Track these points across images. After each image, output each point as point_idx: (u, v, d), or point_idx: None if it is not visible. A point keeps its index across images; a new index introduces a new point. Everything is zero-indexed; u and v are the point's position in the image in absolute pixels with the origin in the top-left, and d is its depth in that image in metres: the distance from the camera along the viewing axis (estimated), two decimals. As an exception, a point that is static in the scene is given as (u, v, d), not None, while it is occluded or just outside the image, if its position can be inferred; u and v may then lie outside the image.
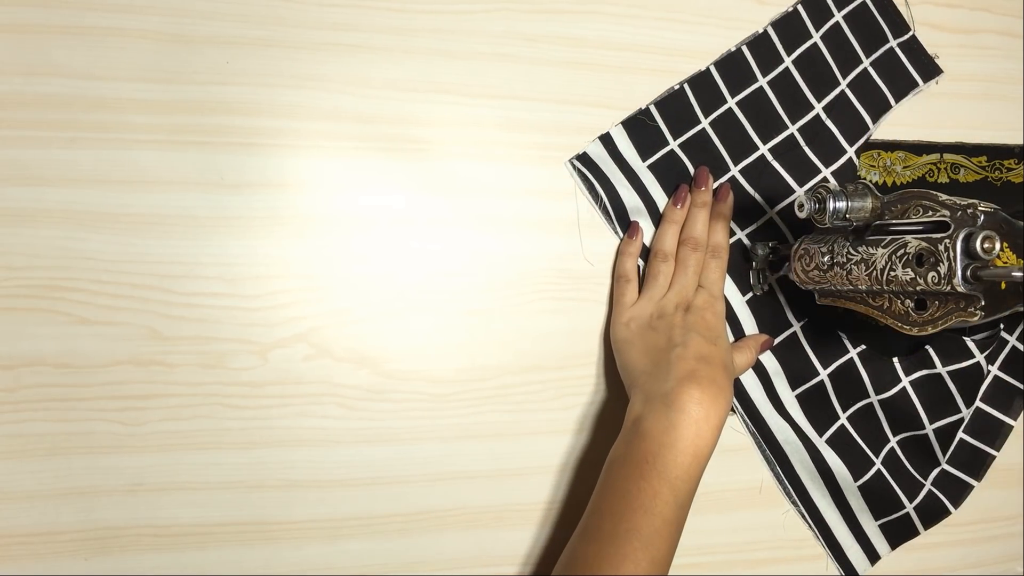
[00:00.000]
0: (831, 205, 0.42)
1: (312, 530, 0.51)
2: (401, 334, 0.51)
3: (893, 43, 0.58)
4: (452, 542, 0.52)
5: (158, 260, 0.48)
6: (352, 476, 0.51)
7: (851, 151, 0.56)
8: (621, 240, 0.54)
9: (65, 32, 0.47)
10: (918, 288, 0.40)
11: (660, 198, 0.54)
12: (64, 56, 0.47)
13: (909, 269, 0.40)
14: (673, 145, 0.54)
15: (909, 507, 0.56)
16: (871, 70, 0.57)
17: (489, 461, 0.53)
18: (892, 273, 0.41)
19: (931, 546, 0.59)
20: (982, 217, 0.38)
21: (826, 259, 0.45)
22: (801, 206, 0.43)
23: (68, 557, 0.48)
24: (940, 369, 0.55)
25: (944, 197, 0.40)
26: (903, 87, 0.58)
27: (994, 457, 0.57)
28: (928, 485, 0.56)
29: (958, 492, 0.57)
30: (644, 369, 0.48)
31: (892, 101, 0.57)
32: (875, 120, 0.57)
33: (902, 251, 0.41)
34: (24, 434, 0.47)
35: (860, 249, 0.43)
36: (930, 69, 0.58)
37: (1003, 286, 0.39)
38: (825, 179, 0.56)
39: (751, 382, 0.55)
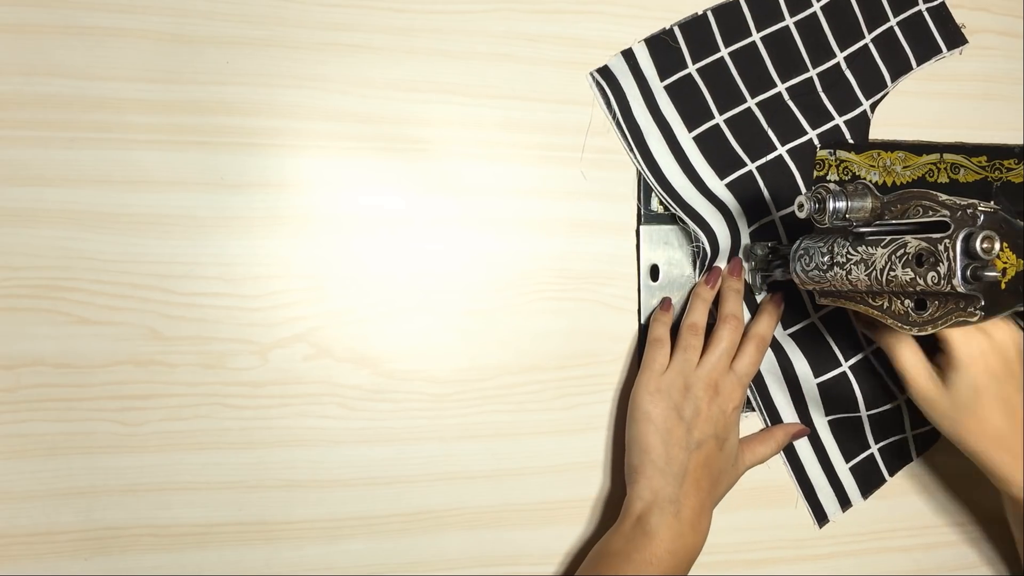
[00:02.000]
0: (831, 205, 0.42)
1: (312, 530, 0.51)
2: (401, 334, 0.51)
3: (922, 6, 0.58)
4: (452, 542, 0.52)
5: (158, 260, 0.48)
6: (352, 476, 0.51)
7: (866, 104, 0.57)
8: (653, 310, 0.54)
9: (65, 32, 0.47)
10: (918, 288, 0.40)
11: (674, 121, 0.54)
12: (64, 56, 0.47)
13: (909, 269, 0.40)
14: (691, 69, 0.54)
15: (874, 447, 0.57)
16: (897, 29, 0.58)
17: (489, 461, 0.53)
18: (892, 273, 0.41)
19: (931, 546, 0.59)
20: (982, 217, 0.38)
21: (826, 259, 0.45)
22: (801, 206, 0.43)
23: (68, 557, 0.48)
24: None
25: (944, 197, 0.40)
26: (926, 51, 0.58)
27: None
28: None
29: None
30: (655, 460, 0.48)
31: (914, 63, 0.58)
32: (894, 79, 0.58)
33: (902, 251, 0.41)
34: (24, 434, 0.47)
35: (860, 249, 0.43)
36: (956, 38, 0.59)
37: (1003, 286, 0.39)
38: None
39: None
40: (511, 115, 0.52)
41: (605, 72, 0.53)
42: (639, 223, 0.55)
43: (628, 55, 0.54)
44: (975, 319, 0.39)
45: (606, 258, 0.54)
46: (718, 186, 0.54)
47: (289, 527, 0.50)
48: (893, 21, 0.58)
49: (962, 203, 0.39)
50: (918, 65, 0.58)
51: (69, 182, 0.47)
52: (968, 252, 0.38)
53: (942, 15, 0.59)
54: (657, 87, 0.54)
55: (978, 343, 0.46)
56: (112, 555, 0.48)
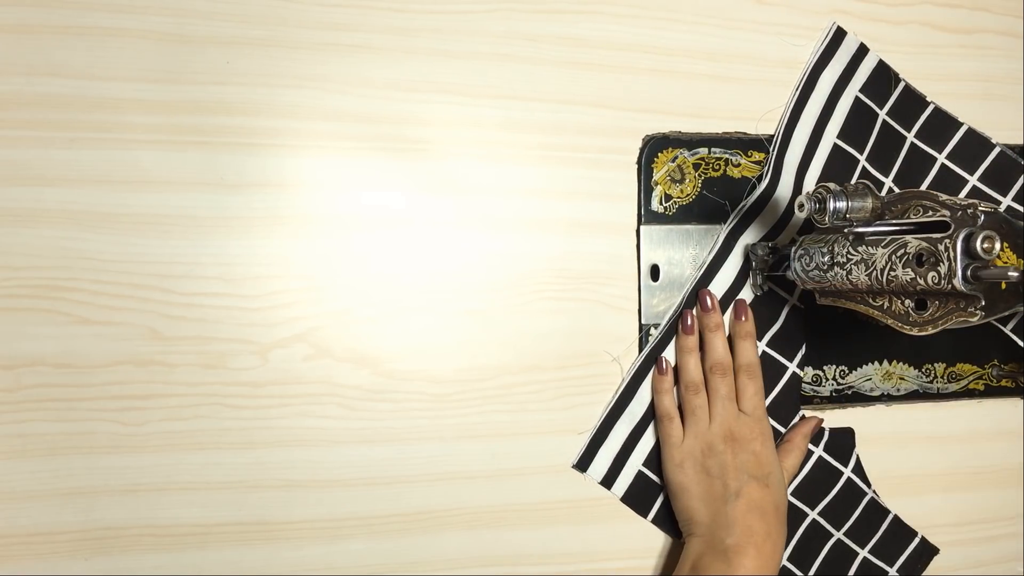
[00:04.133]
0: (831, 205, 0.42)
1: (312, 530, 0.51)
2: (401, 334, 0.51)
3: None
4: (452, 542, 0.52)
5: (158, 260, 0.48)
6: (352, 476, 0.51)
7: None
8: (653, 377, 0.54)
9: (65, 32, 0.47)
10: (918, 288, 0.40)
11: (835, 119, 0.55)
12: (64, 56, 0.47)
13: (909, 269, 0.40)
14: (881, 113, 0.57)
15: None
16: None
17: (489, 461, 0.53)
18: (892, 273, 0.41)
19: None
20: (982, 217, 0.38)
21: (826, 259, 0.45)
22: (801, 206, 0.43)
23: (68, 557, 0.48)
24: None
25: (944, 197, 0.40)
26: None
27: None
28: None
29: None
30: (702, 520, 0.50)
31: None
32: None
33: (902, 251, 0.41)
34: (24, 434, 0.47)
35: (860, 249, 0.43)
36: None
37: (1003, 286, 0.39)
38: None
39: None
40: (511, 115, 0.52)
41: (839, 33, 0.55)
42: (639, 223, 0.54)
43: (862, 51, 0.56)
44: (975, 319, 0.39)
45: (606, 258, 0.54)
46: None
47: (289, 527, 0.50)
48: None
49: (962, 203, 0.39)
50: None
51: (69, 182, 0.47)
52: (968, 252, 0.38)
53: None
54: (852, 88, 0.55)
55: None
56: (112, 555, 0.48)
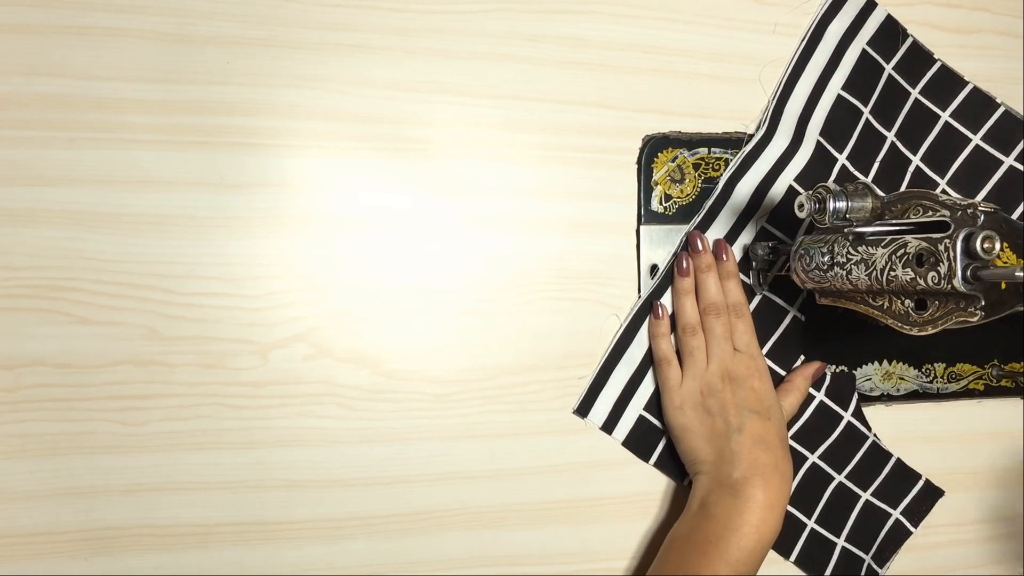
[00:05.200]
0: (831, 205, 0.42)
1: (312, 530, 0.51)
2: (401, 334, 0.51)
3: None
4: (452, 542, 0.52)
5: (158, 260, 0.48)
6: (352, 476, 0.51)
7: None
8: (649, 323, 0.54)
9: (65, 32, 0.47)
10: (918, 288, 0.40)
11: (843, 67, 0.55)
12: (64, 56, 0.47)
13: (909, 269, 0.40)
14: (887, 67, 0.57)
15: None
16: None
17: (489, 461, 0.53)
18: (892, 273, 0.41)
19: (931, 546, 0.59)
20: (982, 217, 0.38)
21: (826, 259, 0.45)
22: (801, 206, 0.43)
23: (68, 557, 0.48)
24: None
25: (944, 197, 0.40)
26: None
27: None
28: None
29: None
30: (707, 458, 0.50)
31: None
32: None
33: (902, 251, 0.41)
34: (24, 434, 0.47)
35: (860, 249, 0.43)
36: None
37: (1003, 286, 0.39)
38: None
39: None
40: (511, 115, 0.52)
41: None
42: (639, 223, 0.55)
43: (871, 4, 0.56)
44: (975, 319, 0.39)
45: (606, 258, 0.54)
46: (811, 134, 0.55)
47: (289, 527, 0.50)
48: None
49: (962, 203, 0.39)
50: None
51: (69, 182, 0.47)
52: (968, 252, 0.38)
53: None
54: (860, 41, 0.55)
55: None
56: (112, 555, 0.48)
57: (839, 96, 0.55)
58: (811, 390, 0.56)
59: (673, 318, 0.53)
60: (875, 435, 0.56)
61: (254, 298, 0.49)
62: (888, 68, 0.56)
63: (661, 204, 0.55)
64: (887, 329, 0.44)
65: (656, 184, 0.55)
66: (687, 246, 0.54)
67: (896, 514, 0.57)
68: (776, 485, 0.48)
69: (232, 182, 0.49)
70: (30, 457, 0.47)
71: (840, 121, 0.55)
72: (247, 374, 0.49)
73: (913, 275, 0.40)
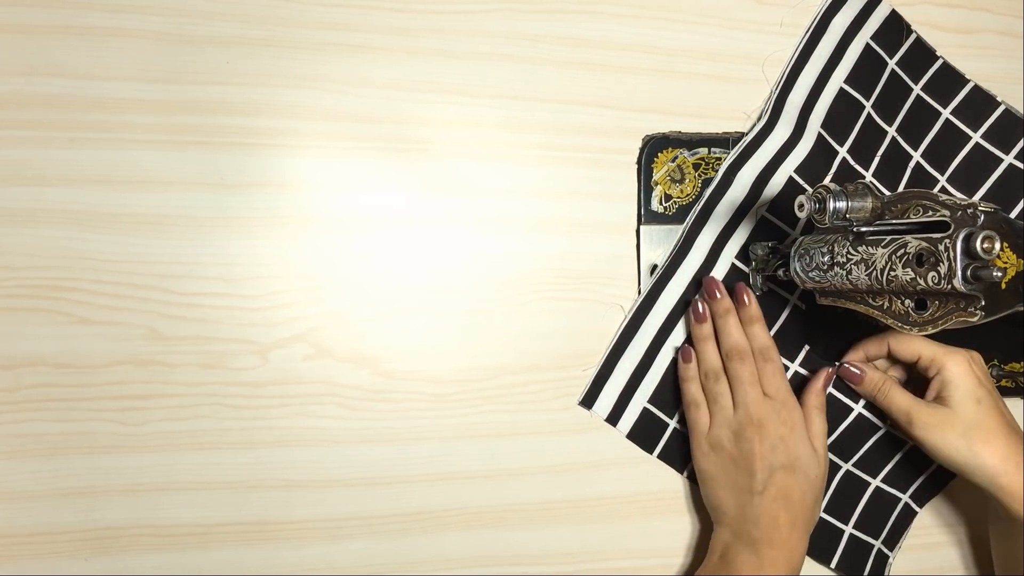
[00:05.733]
0: (831, 205, 0.42)
1: (312, 530, 0.51)
2: (401, 334, 0.51)
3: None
4: (452, 542, 0.52)
5: (158, 260, 0.48)
6: (352, 476, 0.51)
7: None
8: (678, 366, 0.53)
9: (65, 32, 0.47)
10: (918, 288, 0.40)
11: (845, 62, 0.56)
12: (64, 56, 0.47)
13: (909, 269, 0.40)
14: (891, 62, 0.57)
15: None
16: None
17: (489, 461, 0.53)
18: (892, 273, 0.41)
19: (931, 546, 0.59)
20: (982, 217, 0.38)
21: (826, 259, 0.45)
22: (801, 206, 0.43)
23: (68, 557, 0.48)
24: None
25: (944, 197, 0.40)
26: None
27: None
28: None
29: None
30: (729, 511, 0.50)
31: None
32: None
33: (902, 251, 0.41)
34: (24, 434, 0.47)
35: (860, 249, 0.43)
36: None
37: (1003, 286, 0.39)
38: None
39: None
40: (511, 115, 0.52)
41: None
42: (639, 223, 0.55)
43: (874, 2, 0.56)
44: (975, 319, 0.39)
45: (606, 258, 0.54)
46: (812, 129, 0.55)
47: (289, 527, 0.50)
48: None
49: (962, 203, 0.39)
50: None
51: (69, 182, 0.47)
52: (968, 252, 0.38)
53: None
54: (864, 35, 0.55)
55: (962, 357, 0.49)
56: (112, 555, 0.48)
57: (841, 89, 0.55)
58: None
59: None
60: (889, 425, 0.56)
61: (254, 298, 0.49)
62: (891, 63, 0.57)
63: (661, 204, 0.55)
64: (887, 329, 0.44)
65: (656, 184, 0.55)
66: (694, 237, 0.54)
67: (905, 498, 0.57)
68: (794, 544, 0.48)
69: (232, 182, 0.49)
70: (30, 457, 0.47)
71: (842, 114, 0.55)
72: (247, 374, 0.49)
73: (913, 275, 0.40)
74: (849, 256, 0.44)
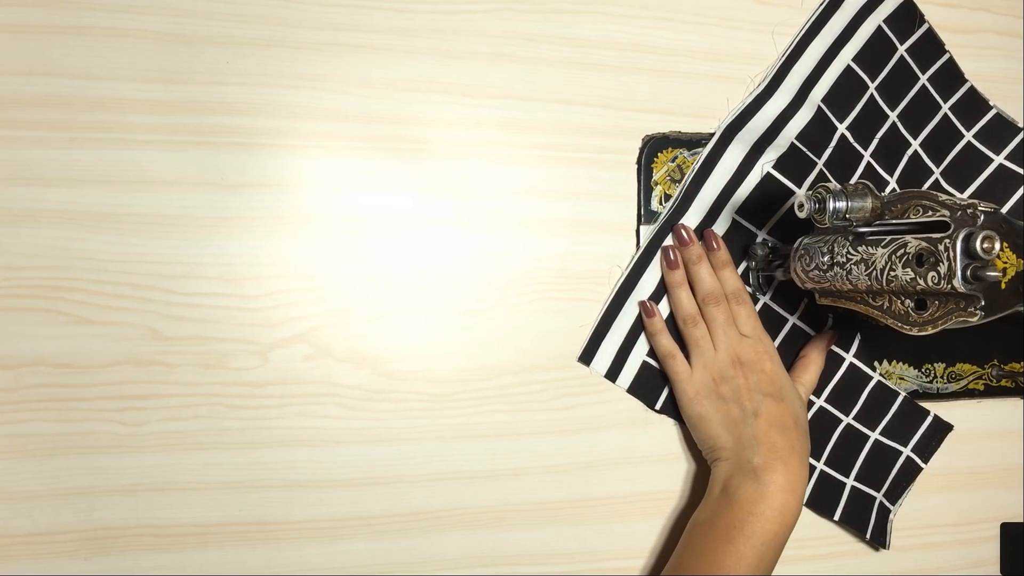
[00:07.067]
0: (831, 205, 0.42)
1: (312, 530, 0.51)
2: (401, 334, 0.51)
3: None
4: (452, 542, 0.52)
5: (158, 260, 0.48)
6: (352, 476, 0.51)
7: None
8: (643, 322, 0.54)
9: (65, 32, 0.47)
10: (918, 288, 0.40)
11: (846, 53, 0.56)
12: (64, 56, 0.47)
13: (909, 269, 0.40)
14: (900, 48, 0.57)
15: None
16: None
17: (489, 461, 0.53)
18: (892, 273, 0.41)
19: (931, 546, 0.59)
20: (982, 217, 0.38)
21: (826, 259, 0.45)
22: (801, 206, 0.43)
23: (68, 557, 0.48)
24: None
25: (944, 197, 0.40)
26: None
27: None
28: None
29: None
30: (726, 444, 0.51)
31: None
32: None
33: (902, 251, 0.41)
34: (24, 434, 0.47)
35: (860, 249, 0.43)
36: None
37: (1003, 286, 0.39)
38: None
39: None
40: (511, 115, 0.52)
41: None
42: (639, 223, 0.55)
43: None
44: (975, 319, 0.39)
45: (606, 258, 0.54)
46: (787, 133, 0.55)
47: (289, 527, 0.50)
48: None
49: (962, 203, 0.39)
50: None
51: (69, 182, 0.47)
52: (968, 252, 0.38)
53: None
54: (877, 17, 0.56)
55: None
56: (112, 555, 0.48)
57: (848, 66, 0.56)
58: None
59: (670, 314, 0.54)
60: (881, 375, 0.56)
61: (254, 298, 0.49)
62: (901, 49, 0.57)
63: (661, 204, 0.55)
64: (887, 329, 0.44)
65: (656, 184, 0.55)
66: (687, 205, 0.54)
67: (907, 451, 0.57)
68: (795, 468, 0.49)
69: (232, 182, 0.49)
70: (30, 457, 0.47)
71: (845, 91, 0.56)
72: (247, 374, 0.49)
73: (913, 275, 0.40)
74: (849, 256, 0.44)
